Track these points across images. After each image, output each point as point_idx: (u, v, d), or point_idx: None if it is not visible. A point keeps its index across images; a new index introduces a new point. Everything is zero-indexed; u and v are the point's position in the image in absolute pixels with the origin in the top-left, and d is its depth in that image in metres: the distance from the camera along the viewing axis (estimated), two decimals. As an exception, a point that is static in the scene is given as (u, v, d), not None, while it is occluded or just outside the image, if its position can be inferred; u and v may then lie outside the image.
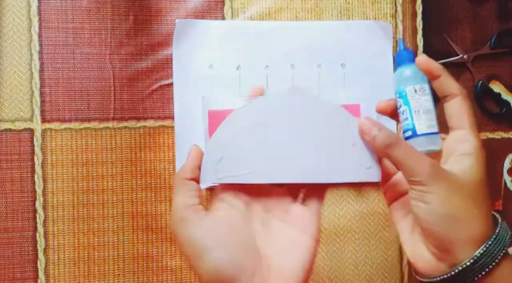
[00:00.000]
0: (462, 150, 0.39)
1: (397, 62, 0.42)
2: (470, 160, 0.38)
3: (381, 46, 0.59)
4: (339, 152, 0.39)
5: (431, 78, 0.40)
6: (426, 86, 0.40)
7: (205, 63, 0.57)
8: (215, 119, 0.46)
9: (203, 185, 0.40)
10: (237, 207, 0.39)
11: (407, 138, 0.40)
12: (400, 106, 0.41)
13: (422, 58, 0.39)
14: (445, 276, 0.35)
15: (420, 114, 0.40)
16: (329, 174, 0.39)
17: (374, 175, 0.39)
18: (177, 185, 0.38)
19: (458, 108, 0.40)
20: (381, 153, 0.38)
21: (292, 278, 0.37)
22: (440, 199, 0.36)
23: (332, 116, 0.40)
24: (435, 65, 0.39)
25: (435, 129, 0.41)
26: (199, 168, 0.39)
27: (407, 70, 0.41)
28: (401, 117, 0.41)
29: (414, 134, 0.40)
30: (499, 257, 0.35)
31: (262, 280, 0.36)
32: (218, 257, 0.35)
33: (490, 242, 0.35)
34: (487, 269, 0.34)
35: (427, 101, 0.40)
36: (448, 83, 0.39)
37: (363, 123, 0.39)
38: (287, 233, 0.39)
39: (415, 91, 0.40)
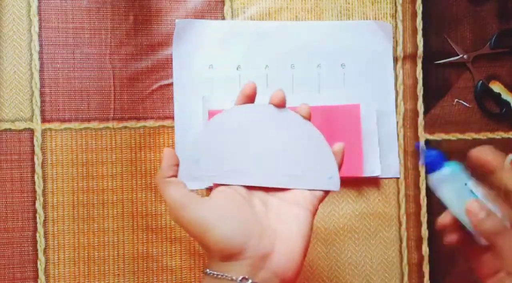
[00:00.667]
0: None
1: (429, 168, 0.44)
2: None
3: (381, 46, 0.59)
4: (304, 161, 0.43)
5: (486, 173, 0.40)
6: (473, 183, 0.42)
7: (205, 63, 0.57)
8: None
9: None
10: (238, 189, 0.41)
11: None
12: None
13: (474, 153, 0.40)
14: None
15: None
16: (295, 180, 0.42)
17: (334, 185, 0.43)
18: (162, 186, 0.41)
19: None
20: (486, 238, 0.39)
21: (296, 244, 0.39)
22: None
23: (300, 129, 0.43)
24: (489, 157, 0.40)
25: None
26: (177, 165, 0.42)
27: (447, 176, 0.42)
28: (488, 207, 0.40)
29: None
30: None
31: (269, 243, 0.38)
32: (224, 228, 0.37)
33: None
34: None
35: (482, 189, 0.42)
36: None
37: (471, 205, 0.39)
38: (286, 208, 0.41)
39: (471, 191, 0.42)
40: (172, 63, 0.57)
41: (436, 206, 0.58)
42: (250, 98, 0.44)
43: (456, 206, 0.42)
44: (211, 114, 0.53)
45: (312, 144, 0.43)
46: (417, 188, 0.59)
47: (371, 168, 0.57)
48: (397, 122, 0.59)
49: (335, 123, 0.56)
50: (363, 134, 0.57)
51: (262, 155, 0.43)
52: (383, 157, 0.58)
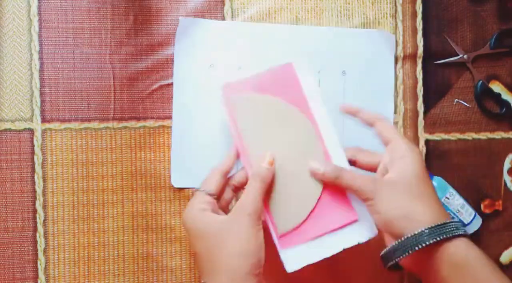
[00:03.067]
0: (396, 156, 0.44)
1: None
2: (404, 161, 0.44)
3: (383, 55, 0.59)
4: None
5: (352, 115, 0.49)
6: (452, 191, 0.56)
7: (206, 62, 0.57)
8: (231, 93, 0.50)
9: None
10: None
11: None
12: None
13: (343, 106, 0.50)
14: (393, 244, 0.42)
15: (460, 211, 0.56)
16: None
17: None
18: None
19: (384, 126, 0.47)
20: (333, 184, 0.45)
21: None
22: (385, 206, 0.42)
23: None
24: (353, 107, 0.49)
25: (474, 213, 0.57)
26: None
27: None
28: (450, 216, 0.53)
29: (464, 225, 0.56)
30: (441, 237, 0.40)
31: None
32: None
33: (433, 225, 0.40)
34: (423, 244, 0.40)
35: (458, 200, 0.56)
36: (368, 116, 0.48)
37: (312, 164, 0.46)
38: None
39: (448, 198, 0.56)
40: (172, 63, 0.57)
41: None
42: (226, 174, 0.48)
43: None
44: (226, 89, 0.50)
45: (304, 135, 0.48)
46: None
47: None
48: (397, 123, 0.59)
49: (274, 89, 0.50)
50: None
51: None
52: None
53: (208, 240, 0.43)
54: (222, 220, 0.43)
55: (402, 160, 0.44)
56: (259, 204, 0.44)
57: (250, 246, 0.42)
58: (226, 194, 0.47)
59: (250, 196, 0.43)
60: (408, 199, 0.42)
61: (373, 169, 0.47)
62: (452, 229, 0.40)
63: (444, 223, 0.41)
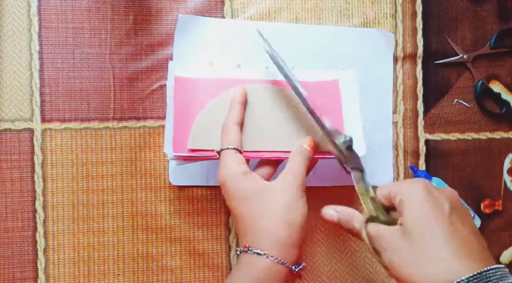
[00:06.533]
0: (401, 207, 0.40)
1: None
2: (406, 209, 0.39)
3: (382, 54, 0.59)
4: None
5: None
6: None
7: (205, 60, 0.57)
8: (181, 85, 0.53)
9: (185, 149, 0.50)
10: None
11: None
12: None
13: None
14: None
15: None
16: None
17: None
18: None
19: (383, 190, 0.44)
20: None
21: None
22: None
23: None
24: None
25: (472, 215, 0.58)
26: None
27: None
28: None
29: None
30: None
31: None
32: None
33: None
34: None
35: None
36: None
37: (325, 212, 0.45)
38: None
39: None
40: (172, 63, 0.57)
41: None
42: (243, 104, 0.49)
43: None
44: (178, 80, 0.53)
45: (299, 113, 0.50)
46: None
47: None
48: (397, 123, 0.59)
49: (316, 99, 0.50)
50: (344, 112, 0.54)
51: (264, 124, 0.50)
52: (378, 167, 0.58)
53: (255, 202, 0.43)
54: (270, 186, 0.44)
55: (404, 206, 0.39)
56: (305, 178, 0.45)
57: (298, 216, 0.42)
58: None
59: (298, 169, 0.45)
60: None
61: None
62: (495, 277, 0.32)
63: (482, 271, 0.32)
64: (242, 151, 0.47)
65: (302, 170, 0.45)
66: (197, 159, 0.50)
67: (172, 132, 0.51)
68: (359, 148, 0.50)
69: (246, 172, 0.45)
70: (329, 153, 0.48)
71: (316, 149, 0.48)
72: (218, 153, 0.47)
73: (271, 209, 0.42)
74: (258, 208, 0.43)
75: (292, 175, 0.44)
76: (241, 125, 0.49)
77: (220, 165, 0.46)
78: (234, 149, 0.46)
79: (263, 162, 0.49)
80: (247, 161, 0.47)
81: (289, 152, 0.47)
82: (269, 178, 0.47)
